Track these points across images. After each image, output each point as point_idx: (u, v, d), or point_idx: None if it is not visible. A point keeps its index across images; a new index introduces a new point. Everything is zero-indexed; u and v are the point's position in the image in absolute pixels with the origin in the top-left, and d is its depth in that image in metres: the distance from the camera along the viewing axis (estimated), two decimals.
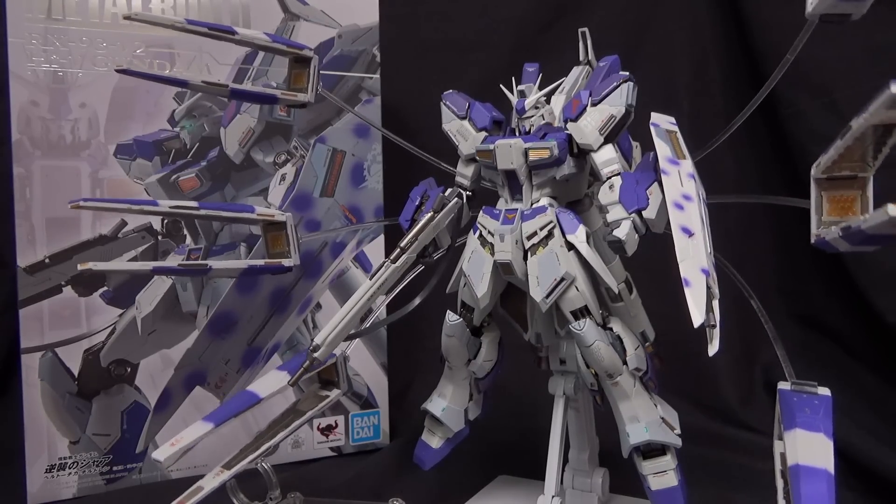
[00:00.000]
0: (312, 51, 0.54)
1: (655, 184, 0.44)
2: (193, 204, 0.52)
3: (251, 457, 0.44)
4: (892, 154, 0.44)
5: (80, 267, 0.47)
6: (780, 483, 0.40)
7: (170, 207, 0.51)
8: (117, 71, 0.49)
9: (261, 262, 0.53)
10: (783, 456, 0.39)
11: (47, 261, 0.64)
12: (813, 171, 0.38)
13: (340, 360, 0.52)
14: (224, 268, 0.53)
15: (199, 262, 0.51)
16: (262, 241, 0.54)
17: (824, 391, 0.41)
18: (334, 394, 0.50)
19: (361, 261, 0.76)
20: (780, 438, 0.40)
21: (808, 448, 0.38)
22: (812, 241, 0.38)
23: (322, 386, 0.53)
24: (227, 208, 0.55)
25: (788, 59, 0.45)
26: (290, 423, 0.48)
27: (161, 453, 0.37)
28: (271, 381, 0.47)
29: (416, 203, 0.52)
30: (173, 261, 0.69)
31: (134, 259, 0.67)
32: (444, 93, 0.53)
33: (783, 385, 0.42)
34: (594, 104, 0.46)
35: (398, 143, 0.58)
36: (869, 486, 0.65)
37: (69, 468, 0.65)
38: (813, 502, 0.36)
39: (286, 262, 0.53)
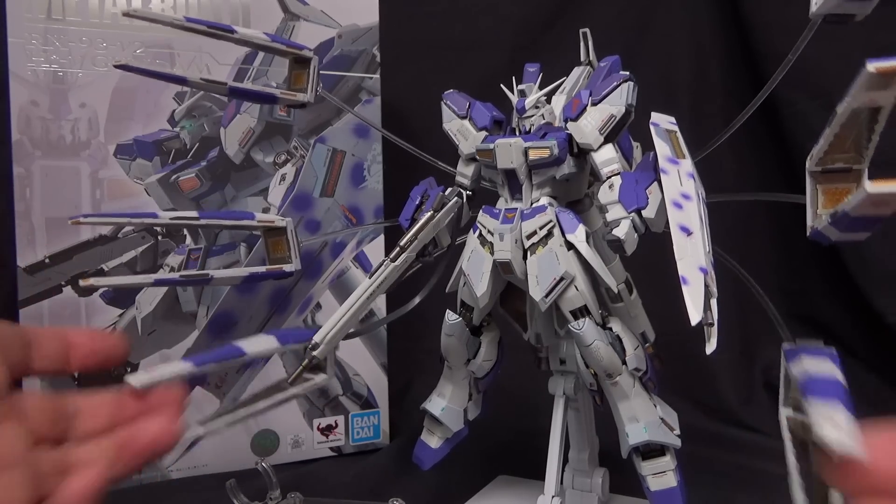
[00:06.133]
0: (312, 51, 0.54)
1: (655, 183, 0.44)
2: (193, 214, 0.52)
3: (225, 417, 0.42)
4: (893, 154, 0.44)
5: (82, 284, 0.47)
6: (789, 446, 0.36)
7: (170, 219, 0.51)
8: (116, 67, 0.49)
9: (262, 268, 0.53)
10: (790, 419, 0.35)
11: (47, 261, 0.64)
12: (807, 164, 0.37)
13: None
14: (225, 276, 0.53)
15: (201, 272, 0.51)
16: (263, 246, 0.54)
17: (829, 348, 0.39)
18: (319, 378, 0.50)
19: (361, 261, 0.76)
20: (786, 405, 0.38)
21: (816, 367, 0.36)
22: (808, 233, 0.38)
23: (310, 370, 0.52)
24: (227, 216, 0.55)
25: (790, 60, 0.45)
26: (271, 396, 0.47)
27: (135, 378, 0.37)
28: (259, 342, 0.46)
29: (417, 202, 0.52)
30: (174, 260, 0.69)
31: (134, 259, 0.67)
32: (445, 92, 0.53)
33: (787, 345, 0.40)
34: (594, 104, 0.46)
35: (398, 144, 0.58)
36: None
37: None
38: (825, 393, 0.32)
39: (287, 268, 0.53)
